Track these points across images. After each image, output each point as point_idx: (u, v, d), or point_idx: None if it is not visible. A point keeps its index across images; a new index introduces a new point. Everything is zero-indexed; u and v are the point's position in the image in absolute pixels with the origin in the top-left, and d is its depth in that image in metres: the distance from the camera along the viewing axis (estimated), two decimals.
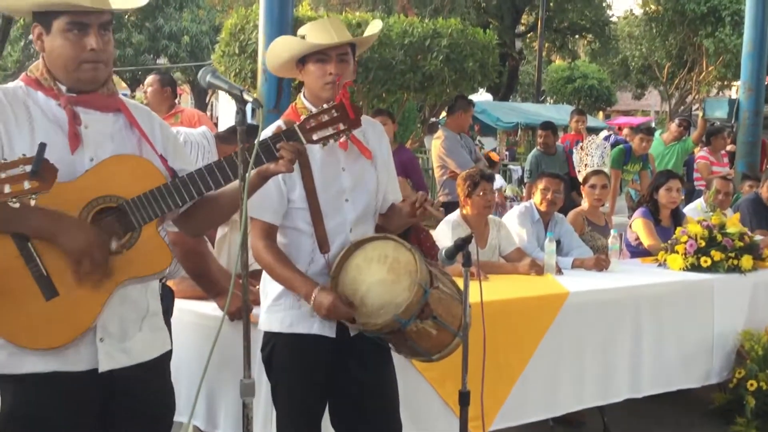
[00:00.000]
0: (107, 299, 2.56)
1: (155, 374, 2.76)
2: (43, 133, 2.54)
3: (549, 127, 10.19)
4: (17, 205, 2.09)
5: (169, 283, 3.90)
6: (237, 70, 9.98)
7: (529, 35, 33.79)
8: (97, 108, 2.65)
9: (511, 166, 19.64)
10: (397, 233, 3.33)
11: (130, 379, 2.66)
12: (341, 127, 2.73)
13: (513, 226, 5.96)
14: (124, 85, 33.68)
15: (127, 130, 2.71)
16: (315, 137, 2.72)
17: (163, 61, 33.88)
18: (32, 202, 2.11)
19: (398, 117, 10.76)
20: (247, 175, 2.57)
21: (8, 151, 2.43)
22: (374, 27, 3.43)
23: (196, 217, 2.82)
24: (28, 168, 2.08)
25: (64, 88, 2.61)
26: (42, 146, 2.11)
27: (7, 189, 2.06)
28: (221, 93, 2.74)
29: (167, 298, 3.89)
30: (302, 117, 2.76)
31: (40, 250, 2.48)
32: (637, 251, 6.61)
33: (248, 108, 2.63)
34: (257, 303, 3.49)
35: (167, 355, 2.84)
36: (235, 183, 2.67)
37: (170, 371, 2.90)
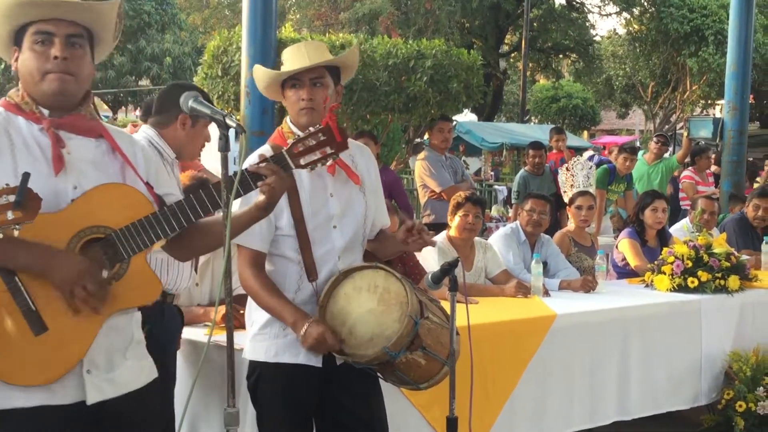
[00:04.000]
0: (97, 333, 2.51)
1: (142, 403, 2.70)
2: (26, 160, 2.49)
3: (539, 147, 10.18)
4: (1, 235, 2.05)
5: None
6: (220, 93, 9.94)
7: (512, 55, 33.97)
8: (79, 132, 2.59)
9: (496, 187, 19.66)
10: (387, 259, 3.30)
11: (117, 410, 2.59)
12: (328, 150, 2.70)
13: (499, 247, 5.94)
14: (105, 107, 33.56)
15: (110, 155, 2.65)
16: (302, 162, 2.69)
17: (145, 82, 33.79)
18: (15, 233, 2.07)
19: (382, 138, 10.75)
20: (230, 200, 2.53)
21: None
22: (351, 50, 3.43)
23: (187, 243, 2.78)
24: (12, 198, 2.04)
25: (46, 112, 2.55)
26: (26, 176, 2.07)
27: None
28: None
29: (175, 320, 3.84)
30: (289, 141, 2.73)
31: (28, 283, 2.42)
32: (624, 272, 6.61)
33: (231, 133, 2.60)
34: (243, 327, 3.45)
35: (154, 383, 2.77)
36: (239, 211, 2.68)
37: (159, 398, 2.84)
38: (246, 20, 7.82)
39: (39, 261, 2.41)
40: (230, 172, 2.60)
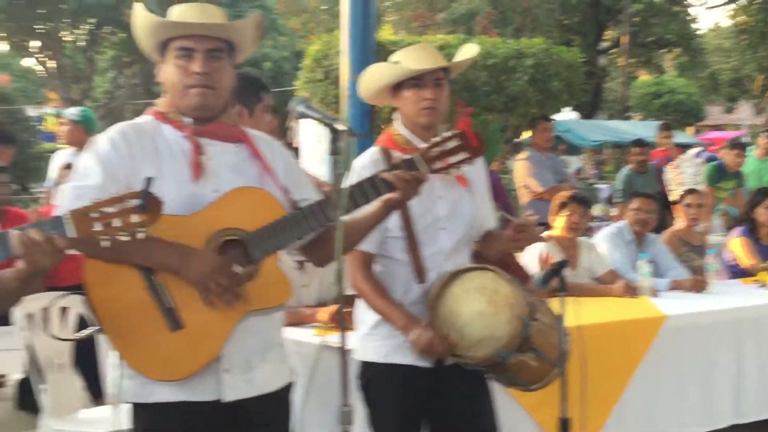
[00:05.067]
0: (231, 331, 2.58)
1: (278, 405, 2.77)
2: (169, 165, 2.61)
3: (643, 144, 9.96)
4: (128, 238, 2.13)
5: None
6: (321, 96, 10.08)
7: (612, 51, 33.39)
8: (220, 139, 2.70)
9: (598, 185, 19.34)
10: (494, 259, 3.29)
11: (252, 410, 2.68)
12: (463, 156, 2.71)
13: (605, 247, 5.85)
14: None
15: (250, 161, 2.74)
16: (436, 167, 2.71)
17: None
18: (140, 236, 2.14)
19: (483, 139, 10.72)
20: (341, 204, 2.56)
21: (135, 184, 2.42)
22: (470, 50, 3.39)
23: (322, 246, 2.80)
24: (136, 202, 2.11)
25: (190, 121, 2.66)
26: (148, 180, 2.14)
27: (116, 223, 2.10)
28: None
29: None
30: (397, 143, 2.76)
31: (166, 282, 2.53)
32: (736, 271, 6.42)
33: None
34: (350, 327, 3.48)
35: (289, 387, 2.84)
36: (362, 211, 2.72)
37: (292, 402, 2.89)
38: (346, 24, 7.90)
39: (176, 259, 2.51)
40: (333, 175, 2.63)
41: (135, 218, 2.10)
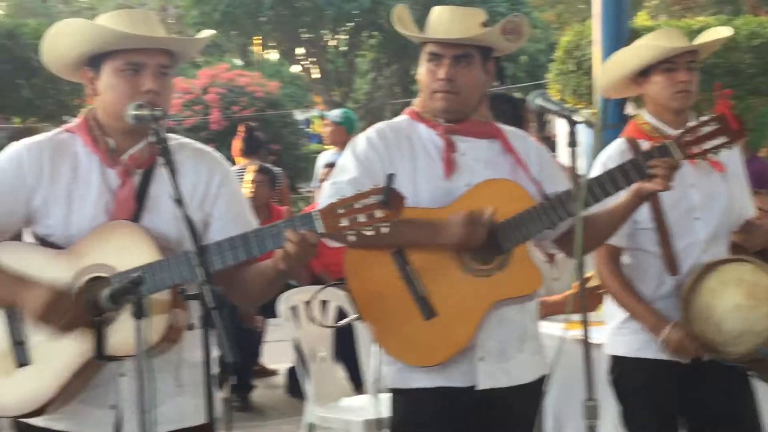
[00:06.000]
0: (481, 319, 2.67)
1: (529, 397, 2.81)
2: (423, 162, 2.75)
3: None
4: (372, 233, 2.23)
5: None
6: (573, 88, 9.91)
7: None
8: (473, 135, 2.80)
9: None
10: (756, 250, 3.13)
11: (507, 400, 2.75)
12: (723, 140, 2.64)
13: None
14: None
15: (503, 155, 2.82)
16: (693, 152, 2.65)
17: (498, 82, 34.33)
18: (383, 230, 2.24)
19: (750, 124, 10.12)
20: (581, 196, 2.54)
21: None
22: (720, 32, 3.24)
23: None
24: (379, 198, 2.21)
25: (441, 120, 2.78)
26: (390, 176, 2.24)
27: (361, 218, 2.21)
28: None
29: None
30: (645, 132, 2.70)
31: (420, 272, 2.66)
32: None
33: (581, 128, 2.61)
34: None
35: (542, 379, 2.86)
36: (614, 202, 2.72)
37: (544, 395, 2.91)
38: (598, 12, 7.74)
39: (434, 229, 2.64)
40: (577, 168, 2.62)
41: (379, 213, 2.20)
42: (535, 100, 2.73)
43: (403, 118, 2.88)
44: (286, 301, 4.50)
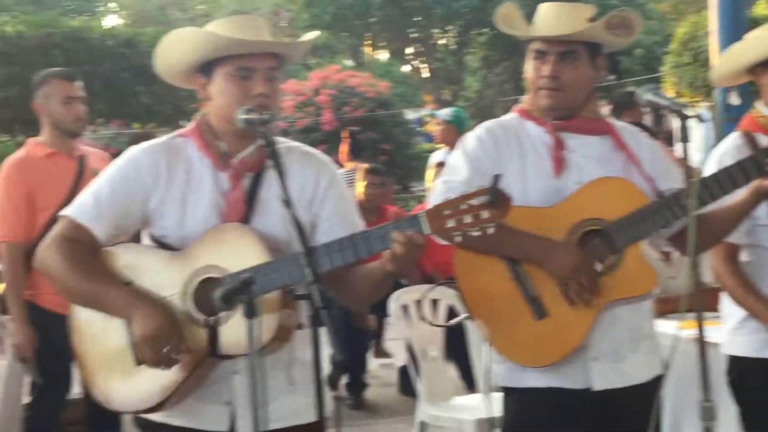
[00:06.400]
0: (592, 320, 2.64)
1: (645, 397, 2.75)
2: (532, 160, 2.73)
3: None
4: (478, 233, 2.23)
5: None
6: (690, 81, 9.67)
7: None
8: (583, 132, 2.77)
9: None
10: None
11: (621, 401, 2.71)
12: None
13: None
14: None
15: (614, 152, 2.78)
16: None
17: (613, 76, 33.73)
18: (490, 231, 2.23)
19: None
20: (695, 193, 2.48)
21: (503, 182, 2.43)
22: None
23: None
24: (485, 198, 2.21)
25: (549, 117, 2.76)
26: (496, 177, 2.23)
27: (467, 219, 2.21)
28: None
29: None
30: (762, 125, 2.62)
31: (531, 272, 2.64)
32: None
33: (695, 122, 2.54)
34: None
35: (658, 379, 2.81)
36: (732, 200, 2.65)
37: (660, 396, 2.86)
38: (715, 2, 7.52)
39: (539, 252, 2.63)
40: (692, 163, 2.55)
41: (485, 214, 2.18)
42: (645, 95, 2.67)
43: (512, 116, 2.87)
44: (396, 301, 4.53)
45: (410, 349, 4.58)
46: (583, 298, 2.60)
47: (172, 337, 2.32)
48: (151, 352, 2.32)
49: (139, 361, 2.39)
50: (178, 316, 2.37)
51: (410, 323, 4.59)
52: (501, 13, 2.83)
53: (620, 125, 2.86)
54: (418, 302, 4.54)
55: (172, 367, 2.33)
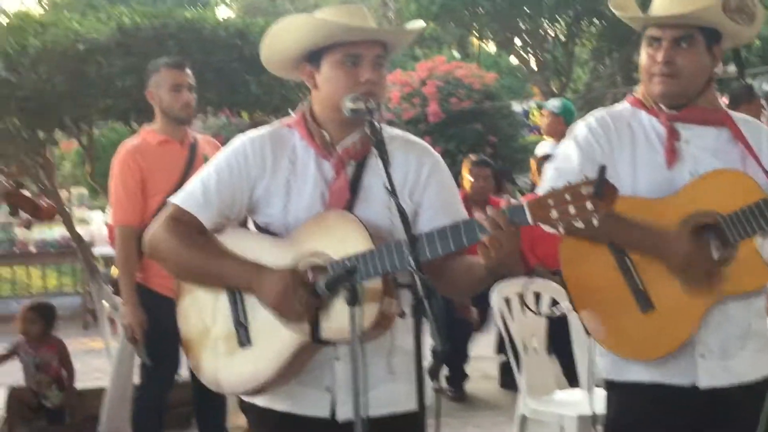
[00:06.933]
0: (702, 315, 2.58)
1: (755, 398, 2.67)
2: (644, 151, 2.69)
3: None
4: (582, 225, 2.19)
5: None
6: None
7: None
8: (698, 122, 2.71)
9: None
10: None
11: (728, 400, 2.66)
12: None
13: None
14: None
15: (730, 144, 2.71)
16: None
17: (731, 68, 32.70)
18: (594, 222, 2.20)
19: None
20: None
21: (610, 172, 2.33)
22: None
23: None
24: (590, 189, 2.17)
25: (664, 107, 2.70)
26: (602, 168, 2.19)
27: (571, 210, 2.18)
28: None
29: None
30: None
31: (638, 263, 2.60)
32: None
33: None
34: None
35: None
36: None
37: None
38: None
39: (652, 241, 2.58)
40: None
41: (590, 205, 2.15)
42: (763, 86, 2.59)
43: (624, 105, 2.82)
44: (499, 293, 4.50)
45: (512, 342, 4.55)
46: (703, 284, 2.54)
47: (300, 291, 2.33)
48: (288, 306, 2.34)
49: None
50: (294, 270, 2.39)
51: (512, 316, 4.56)
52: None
53: (739, 117, 2.78)
54: (521, 295, 4.50)
55: (312, 318, 2.34)
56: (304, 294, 2.34)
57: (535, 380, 4.55)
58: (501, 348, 6.09)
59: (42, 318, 5.72)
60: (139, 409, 4.58)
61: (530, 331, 4.60)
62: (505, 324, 4.57)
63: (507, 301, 4.55)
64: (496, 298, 4.50)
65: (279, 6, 30.70)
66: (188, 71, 4.46)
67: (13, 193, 2.06)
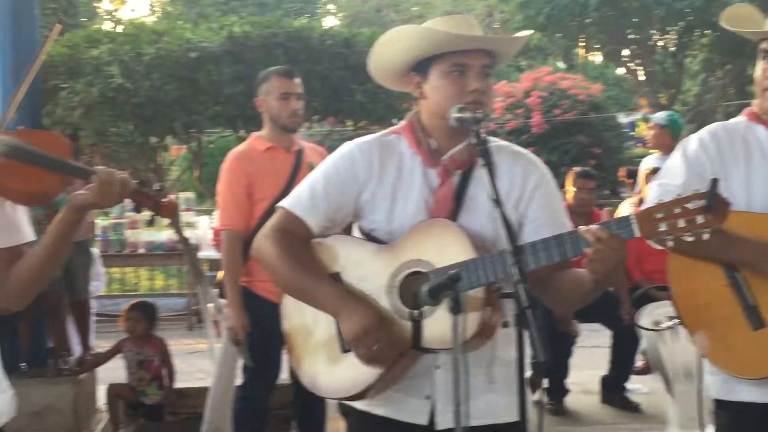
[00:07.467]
0: None
1: None
2: (758, 166, 2.61)
3: None
4: (692, 239, 2.15)
5: None
6: None
7: None
8: None
9: None
10: None
11: None
12: None
13: None
14: None
15: None
16: None
17: None
18: (705, 236, 2.14)
19: None
20: None
21: (723, 187, 2.30)
22: None
23: None
24: (702, 203, 2.12)
25: None
26: (714, 181, 2.14)
27: (681, 223, 2.13)
28: None
29: None
30: None
31: (749, 280, 2.54)
32: None
33: None
34: None
35: None
36: None
37: None
38: None
39: (757, 257, 2.50)
40: None
41: (700, 219, 2.10)
42: None
43: (740, 119, 2.74)
44: (649, 315, 4.39)
45: (660, 368, 4.39)
46: None
47: (380, 335, 2.35)
48: (361, 349, 2.37)
49: (345, 350, 2.46)
50: (383, 310, 2.42)
51: (663, 340, 4.43)
52: (732, 11, 2.69)
53: None
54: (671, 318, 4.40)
55: (382, 363, 2.38)
56: (384, 337, 2.35)
57: (685, 410, 4.33)
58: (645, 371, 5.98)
59: (144, 316, 5.87)
60: (241, 410, 4.66)
61: (682, 359, 4.42)
62: (654, 348, 4.44)
63: (656, 324, 4.41)
64: (645, 321, 4.38)
65: (384, 16, 30.95)
66: (298, 80, 4.53)
67: (139, 191, 2.16)
